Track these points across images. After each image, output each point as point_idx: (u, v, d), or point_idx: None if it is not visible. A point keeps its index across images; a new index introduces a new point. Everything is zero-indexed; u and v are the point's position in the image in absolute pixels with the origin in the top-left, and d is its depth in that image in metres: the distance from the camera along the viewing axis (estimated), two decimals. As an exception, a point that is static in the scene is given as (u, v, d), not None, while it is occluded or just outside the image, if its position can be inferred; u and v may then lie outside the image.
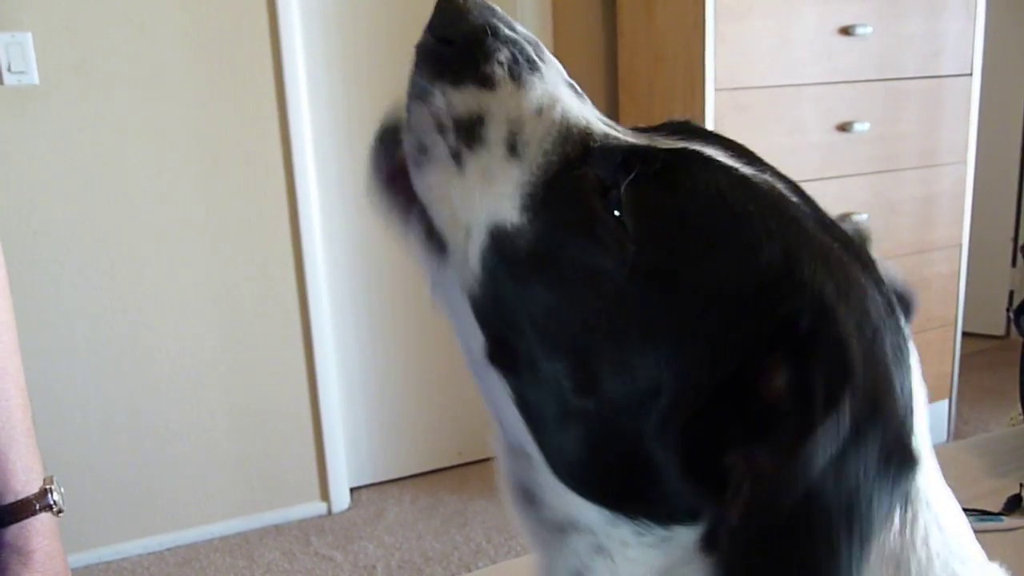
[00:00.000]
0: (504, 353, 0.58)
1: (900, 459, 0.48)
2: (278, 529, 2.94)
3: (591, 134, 0.59)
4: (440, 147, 0.59)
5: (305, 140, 2.78)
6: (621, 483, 0.55)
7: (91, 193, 2.62)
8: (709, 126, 2.64)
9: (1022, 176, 3.95)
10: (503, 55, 0.60)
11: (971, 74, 3.04)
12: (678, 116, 0.66)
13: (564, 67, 0.65)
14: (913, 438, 0.49)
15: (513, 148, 0.59)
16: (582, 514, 0.57)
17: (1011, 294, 3.56)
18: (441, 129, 0.59)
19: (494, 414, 0.62)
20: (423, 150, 0.60)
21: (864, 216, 2.88)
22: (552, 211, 0.57)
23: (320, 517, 3.02)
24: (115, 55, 2.57)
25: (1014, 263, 3.35)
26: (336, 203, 2.96)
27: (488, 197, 0.58)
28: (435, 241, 0.61)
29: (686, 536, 0.53)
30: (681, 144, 0.58)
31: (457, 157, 0.59)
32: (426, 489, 3.19)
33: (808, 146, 2.85)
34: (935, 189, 3.10)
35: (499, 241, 0.57)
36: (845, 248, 0.54)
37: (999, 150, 3.79)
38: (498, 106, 0.59)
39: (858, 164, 2.95)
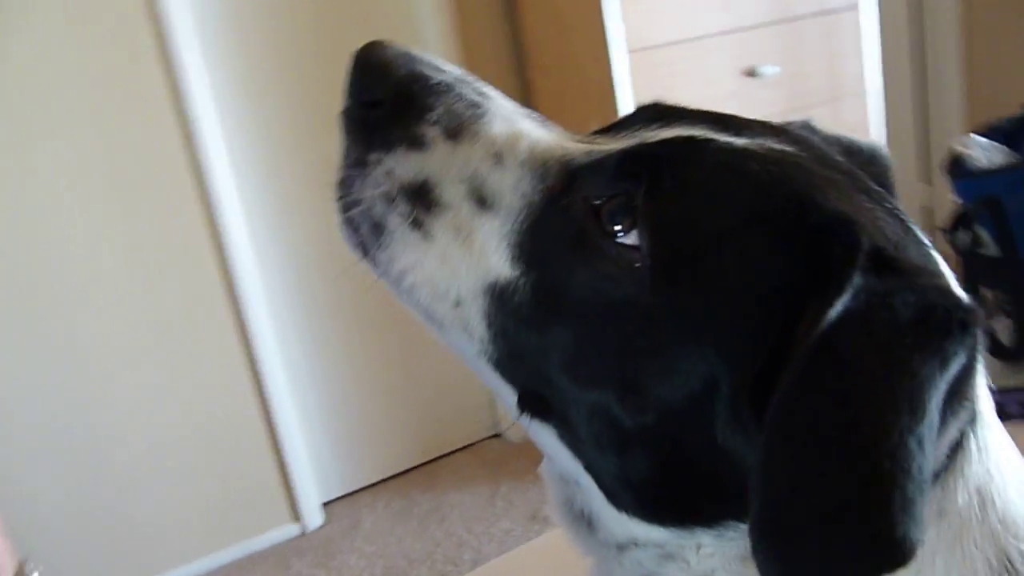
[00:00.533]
0: (535, 401, 0.56)
1: (942, 322, 0.45)
2: (255, 558, 2.88)
3: (571, 159, 0.57)
4: (394, 220, 0.56)
5: (215, 155, 2.69)
6: (701, 493, 0.53)
7: (13, 236, 2.50)
8: (625, 90, 2.68)
9: (919, 99, 4.09)
10: (437, 110, 0.57)
11: (857, 6, 3.14)
12: (646, 100, 0.65)
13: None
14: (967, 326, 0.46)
15: (482, 201, 0.56)
16: (648, 535, 0.56)
17: (931, 212, 3.69)
18: (389, 199, 0.56)
19: (543, 449, 0.60)
20: (377, 227, 0.57)
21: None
22: (547, 255, 0.54)
23: (296, 538, 2.96)
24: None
25: (930, 181, 3.48)
26: (260, 216, 2.89)
27: (471, 258, 0.55)
28: (428, 316, 0.58)
29: None
30: (667, 132, 0.56)
31: (417, 224, 0.56)
32: (398, 492, 3.16)
33: (722, 96, 2.90)
34: (843, 121, 3.20)
35: (499, 300, 0.55)
36: (850, 179, 0.55)
37: (895, 78, 3.93)
38: (442, 167, 0.56)
39: (770, 107, 3.01)
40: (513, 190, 0.56)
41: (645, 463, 0.53)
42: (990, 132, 1.59)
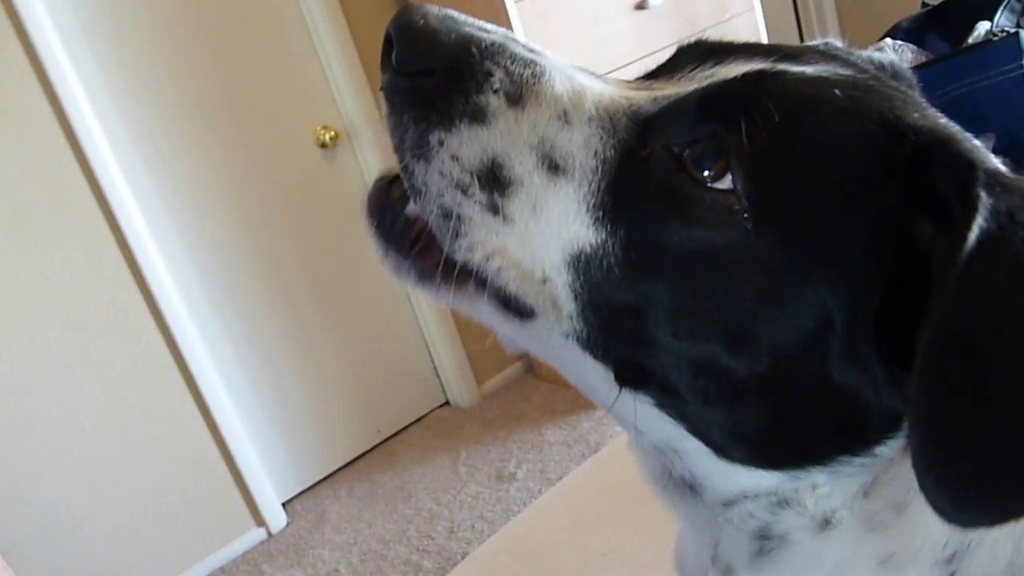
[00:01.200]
0: (634, 371, 0.53)
1: None
2: (225, 570, 2.81)
3: (638, 108, 0.54)
4: (470, 206, 0.52)
5: (104, 152, 2.55)
6: (816, 433, 0.52)
7: None
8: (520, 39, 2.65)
9: (797, 13, 4.21)
10: (496, 77, 0.52)
11: (735, -75, 3.18)
12: (686, 39, 0.61)
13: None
14: None
15: (555, 167, 0.52)
16: (759, 483, 0.54)
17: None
18: (461, 186, 0.52)
19: (630, 426, 0.58)
20: (448, 215, 0.52)
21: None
22: (632, 212, 0.51)
23: (263, 543, 2.90)
24: None
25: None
26: (166, 225, 2.76)
27: (551, 232, 0.52)
28: (512, 306, 0.54)
29: (888, 451, 0.52)
30: (732, 69, 0.54)
31: (495, 209, 0.52)
32: (358, 477, 3.13)
33: (616, 33, 2.90)
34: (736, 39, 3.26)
35: (586, 269, 0.51)
36: (910, 98, 0.55)
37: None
38: (510, 139, 0.52)
39: (663, 37, 3.04)
40: (585, 149, 0.53)
41: (759, 411, 0.52)
42: (897, 32, 1.64)
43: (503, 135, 0.53)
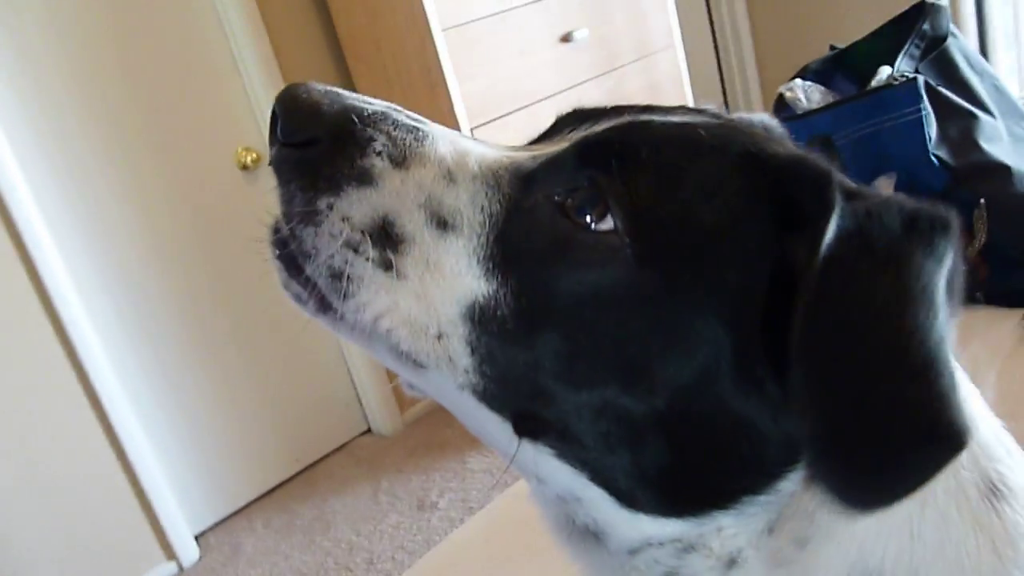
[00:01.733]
0: (532, 421, 0.54)
1: (928, 225, 0.48)
2: (132, 607, 2.70)
3: (520, 165, 0.56)
4: (361, 265, 0.53)
5: (20, 184, 2.46)
6: (718, 470, 0.53)
7: None
8: (447, 68, 2.67)
9: (717, 52, 4.35)
10: (379, 141, 0.55)
11: (658, -36, 3.28)
12: (562, 110, 0.66)
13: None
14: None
15: (443, 224, 0.54)
16: (663, 531, 0.55)
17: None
18: (352, 244, 0.53)
19: (532, 476, 0.58)
20: (340, 276, 0.53)
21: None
22: (521, 260, 0.53)
23: (174, 577, 2.81)
24: None
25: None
26: (80, 251, 2.67)
27: (444, 285, 0.53)
28: (407, 358, 0.55)
29: (790, 485, 0.53)
30: (605, 124, 0.57)
31: (388, 265, 0.53)
32: (276, 507, 3.05)
33: (540, 65, 2.94)
34: (656, 77, 3.34)
35: (481, 320, 0.53)
36: (764, 131, 0.60)
37: (695, 32, 4.15)
38: (398, 198, 0.54)
39: (587, 69, 3.10)
40: (471, 205, 0.55)
41: (661, 451, 0.53)
42: (806, 74, 1.71)
43: (391, 195, 0.54)
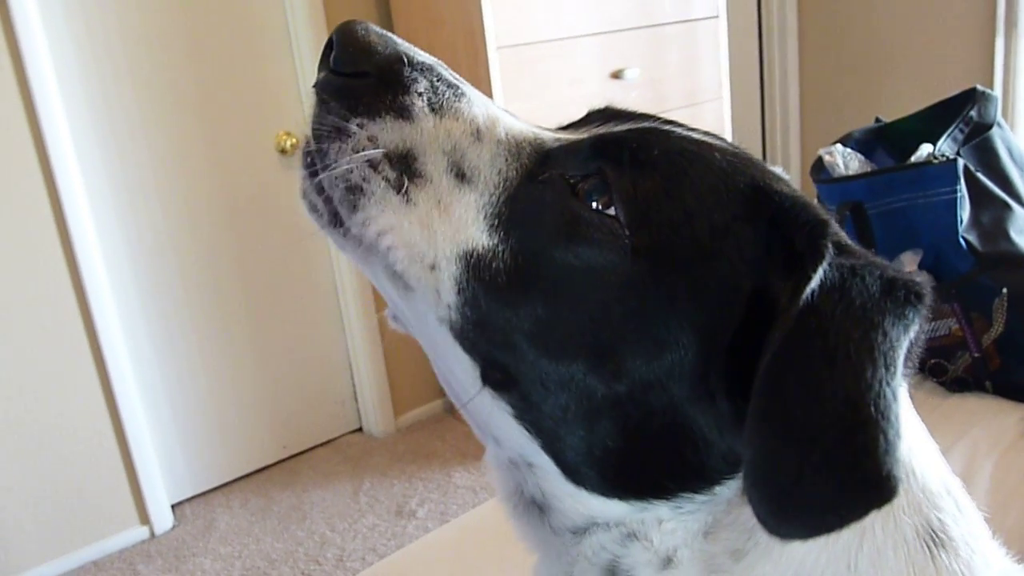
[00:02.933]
0: (500, 373, 0.57)
1: (904, 293, 0.50)
2: (98, 564, 2.69)
3: (542, 142, 0.60)
4: (377, 183, 0.57)
5: (61, 143, 2.49)
6: (661, 463, 0.55)
7: None
8: (496, 86, 2.69)
9: (763, 109, 4.37)
10: (422, 85, 0.58)
11: (718, 16, 3.30)
12: (596, 104, 0.69)
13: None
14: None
15: (462, 175, 0.58)
16: (606, 511, 0.57)
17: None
18: (373, 164, 0.57)
19: (487, 433, 0.61)
20: (355, 190, 0.57)
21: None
22: (526, 226, 0.56)
23: (143, 542, 2.79)
24: None
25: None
26: (106, 209, 2.70)
27: (449, 227, 0.56)
28: (399, 279, 0.58)
29: (728, 491, 0.55)
30: (628, 125, 0.61)
31: (401, 190, 0.57)
32: (255, 490, 3.04)
33: (588, 96, 2.95)
34: (700, 126, 3.35)
35: (475, 267, 0.56)
36: (776, 173, 0.62)
37: (744, 87, 4.17)
38: (427, 138, 0.58)
39: (632, 108, 3.12)
40: (490, 166, 0.58)
41: (611, 433, 0.55)
42: (848, 141, 1.71)
43: (422, 133, 0.58)
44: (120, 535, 2.76)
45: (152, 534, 2.82)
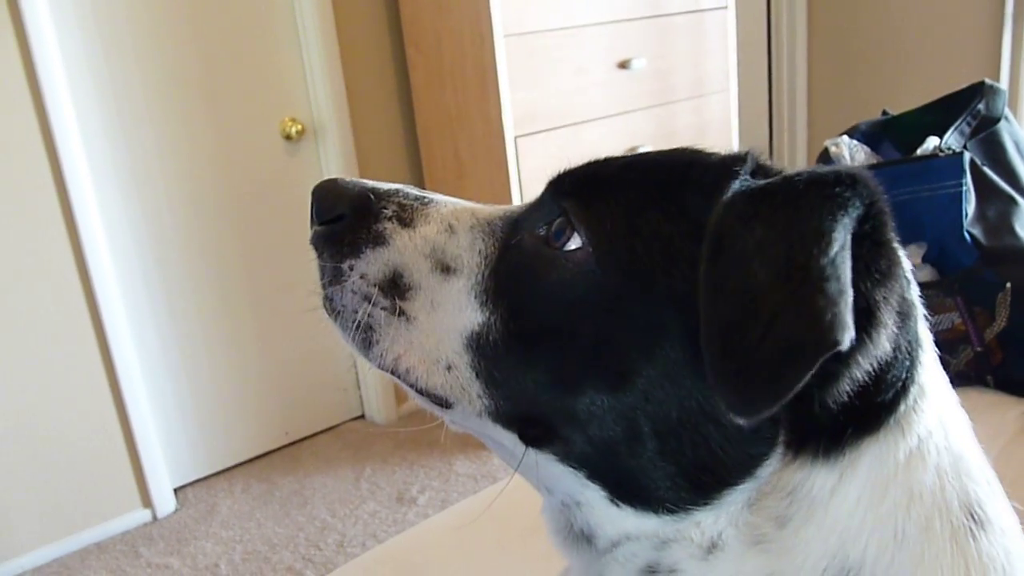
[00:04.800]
0: (534, 428, 0.60)
1: (833, 182, 0.52)
2: (100, 547, 2.70)
3: (510, 213, 0.66)
4: (378, 316, 0.63)
5: (68, 127, 2.50)
6: (695, 462, 0.55)
7: None
8: (502, 74, 2.69)
9: (770, 101, 4.36)
10: (390, 209, 0.66)
11: (727, 7, 3.29)
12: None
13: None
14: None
15: (446, 268, 0.64)
16: (642, 526, 0.58)
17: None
18: (368, 297, 0.64)
19: (540, 485, 0.65)
20: (364, 328, 0.64)
21: (648, 147, 3.06)
22: (509, 288, 0.62)
23: (145, 525, 2.81)
24: None
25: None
26: (112, 193, 2.71)
27: (448, 321, 0.62)
28: (430, 396, 0.64)
29: (765, 472, 0.54)
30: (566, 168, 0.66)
31: (397, 311, 0.63)
32: (257, 475, 3.06)
33: (594, 86, 2.96)
34: (706, 118, 3.35)
35: (480, 346, 0.61)
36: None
37: (751, 79, 4.16)
38: (406, 253, 0.64)
39: (638, 99, 3.11)
40: (470, 250, 0.64)
41: (641, 446, 0.56)
42: (854, 133, 1.71)
43: (400, 251, 0.65)
44: (122, 518, 2.78)
45: (154, 517, 2.83)
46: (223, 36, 2.83)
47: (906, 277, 0.58)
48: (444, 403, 0.63)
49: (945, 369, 0.54)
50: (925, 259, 1.51)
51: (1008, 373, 1.48)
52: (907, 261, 0.60)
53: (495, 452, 0.67)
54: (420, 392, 0.64)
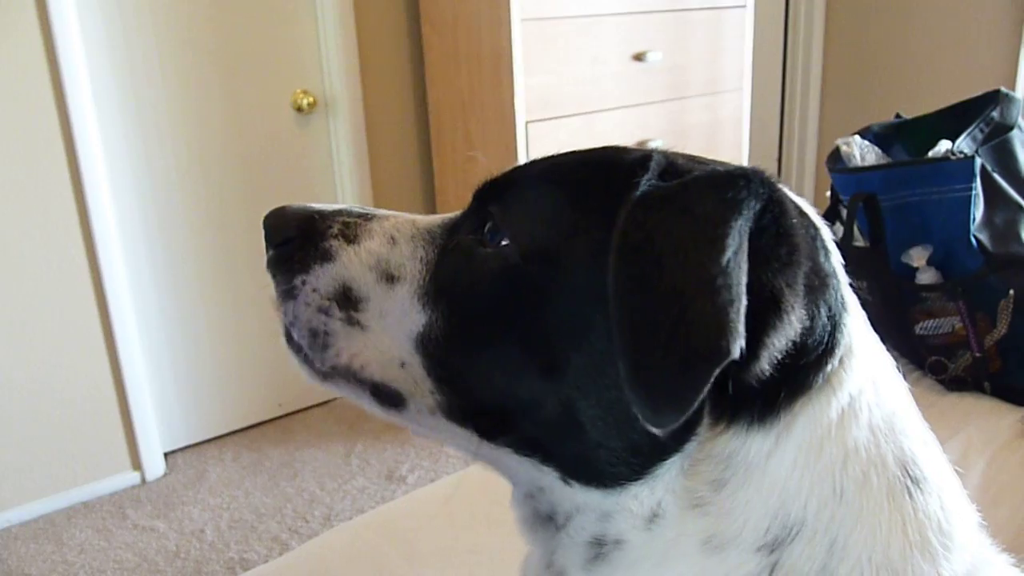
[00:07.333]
0: (489, 424, 0.63)
1: (725, 181, 0.53)
2: (88, 506, 2.71)
3: (449, 221, 0.70)
4: (332, 323, 0.67)
5: (79, 94, 2.49)
6: (627, 441, 0.57)
7: None
8: (517, 59, 2.68)
9: (783, 101, 4.35)
10: (335, 227, 0.70)
11: (745, 6, 3.27)
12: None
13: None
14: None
15: (391, 278, 0.68)
16: (588, 499, 0.60)
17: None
18: (322, 309, 0.67)
19: (505, 476, 0.68)
20: (317, 335, 0.67)
21: (659, 142, 3.05)
22: (447, 288, 0.65)
23: (134, 487, 2.81)
24: None
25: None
26: (118, 156, 2.71)
27: (397, 326, 0.66)
28: (384, 394, 0.67)
29: (694, 445, 0.56)
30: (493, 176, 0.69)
31: (352, 322, 0.67)
32: (248, 445, 3.06)
33: (608, 76, 2.95)
34: (719, 115, 3.34)
35: (427, 345, 0.64)
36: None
37: (765, 78, 4.15)
38: (352, 267, 0.68)
39: (652, 92, 3.10)
40: (412, 258, 0.68)
41: (575, 428, 0.58)
42: (866, 134, 1.70)
43: (346, 265, 0.68)
44: (111, 479, 2.78)
45: (143, 480, 2.84)
46: (239, 6, 2.82)
47: (824, 247, 0.59)
48: (398, 400, 0.66)
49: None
50: (930, 261, 1.50)
51: (1005, 380, 1.48)
52: (826, 229, 0.61)
53: (459, 452, 0.69)
54: (375, 388, 0.66)
